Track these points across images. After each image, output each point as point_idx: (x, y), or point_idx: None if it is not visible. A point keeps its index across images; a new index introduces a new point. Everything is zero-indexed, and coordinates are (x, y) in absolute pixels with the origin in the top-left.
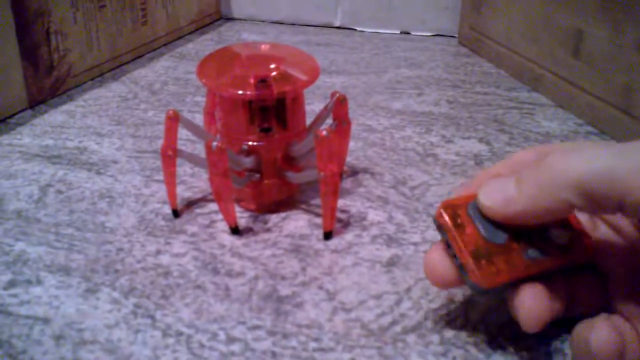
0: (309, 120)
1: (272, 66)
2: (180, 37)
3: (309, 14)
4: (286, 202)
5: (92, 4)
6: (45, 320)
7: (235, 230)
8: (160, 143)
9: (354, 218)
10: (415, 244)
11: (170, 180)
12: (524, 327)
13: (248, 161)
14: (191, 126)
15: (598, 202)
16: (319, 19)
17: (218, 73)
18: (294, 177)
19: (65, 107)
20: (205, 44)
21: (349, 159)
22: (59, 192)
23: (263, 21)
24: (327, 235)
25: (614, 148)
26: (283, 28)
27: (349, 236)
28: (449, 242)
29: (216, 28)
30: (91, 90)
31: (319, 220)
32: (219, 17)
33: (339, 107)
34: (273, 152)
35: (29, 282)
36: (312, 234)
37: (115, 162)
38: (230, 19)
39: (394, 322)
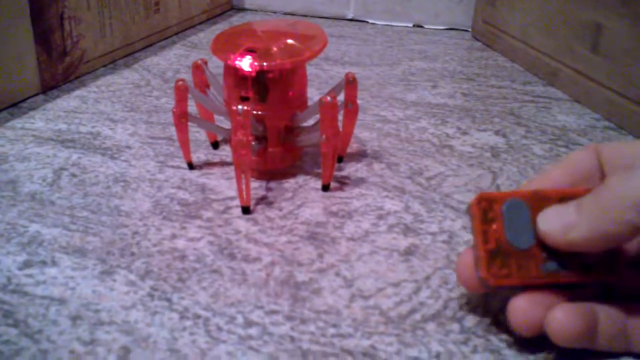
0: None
1: (276, 42)
2: (191, 27)
3: (322, 5)
4: (289, 171)
5: None
6: (61, 301)
7: (247, 210)
8: (174, 130)
9: (370, 207)
10: (432, 233)
11: (185, 142)
12: (514, 329)
13: (259, 126)
14: (198, 96)
15: None
16: (331, 11)
17: (229, 46)
18: (297, 140)
19: (77, 92)
20: (216, 34)
21: (364, 148)
22: (73, 175)
23: (275, 12)
24: (325, 188)
25: None
26: (295, 19)
27: (365, 224)
28: (473, 232)
29: (227, 18)
30: (103, 77)
31: (334, 208)
32: (230, 7)
33: (348, 87)
34: (278, 121)
35: (44, 263)
36: (328, 222)
37: (129, 147)
38: (241, 9)
39: (413, 310)
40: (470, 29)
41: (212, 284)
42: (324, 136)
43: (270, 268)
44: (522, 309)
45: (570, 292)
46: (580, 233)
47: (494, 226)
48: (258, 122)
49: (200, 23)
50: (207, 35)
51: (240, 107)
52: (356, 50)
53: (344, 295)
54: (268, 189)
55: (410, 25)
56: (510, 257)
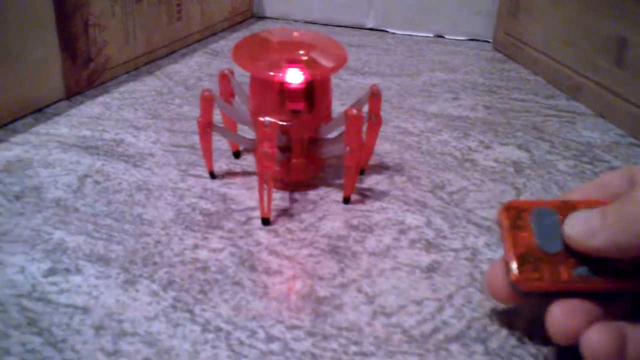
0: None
1: (302, 52)
2: (213, 34)
3: (342, 14)
4: (310, 182)
5: None
6: (85, 310)
7: (267, 222)
8: (196, 139)
9: (391, 221)
10: (455, 250)
11: (208, 152)
12: (552, 337)
13: (283, 138)
14: (224, 106)
15: None
16: (351, 20)
17: (253, 58)
18: (321, 152)
19: (101, 99)
20: (237, 41)
21: (385, 160)
22: (97, 182)
23: (295, 20)
24: (347, 200)
25: None
26: (315, 28)
27: (386, 239)
28: (502, 239)
29: (248, 26)
30: (126, 84)
31: (356, 222)
32: (250, 15)
33: (372, 100)
34: (303, 133)
35: (68, 270)
36: (349, 236)
37: (151, 155)
38: (262, 17)
39: (435, 330)
40: (491, 40)
41: (233, 296)
42: (348, 148)
43: (292, 282)
44: (560, 317)
45: (606, 304)
46: (603, 240)
47: (524, 233)
48: (283, 134)
49: (222, 30)
50: (228, 42)
51: (267, 119)
52: (376, 60)
53: (366, 312)
54: (289, 200)
55: (431, 35)
56: (541, 261)
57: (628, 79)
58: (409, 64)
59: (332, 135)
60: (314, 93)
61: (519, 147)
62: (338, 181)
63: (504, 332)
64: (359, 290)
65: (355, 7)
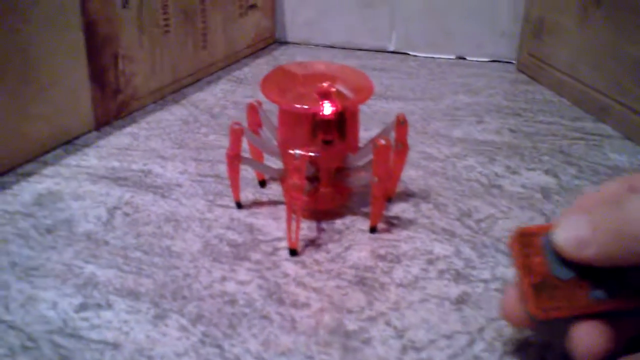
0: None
1: (329, 84)
2: (236, 61)
3: (363, 38)
4: (336, 211)
5: (158, 29)
6: (116, 346)
7: (294, 252)
8: (222, 168)
9: (419, 251)
10: (485, 281)
11: (235, 182)
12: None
13: (310, 169)
14: (253, 138)
15: None
16: (373, 44)
17: (281, 90)
18: (349, 181)
19: (129, 129)
20: (260, 68)
21: (410, 187)
22: (126, 214)
23: (317, 45)
24: (373, 230)
25: None
26: (336, 52)
27: (414, 270)
28: (516, 268)
29: (270, 52)
30: (153, 113)
31: (382, 252)
32: (273, 40)
33: (399, 128)
34: (332, 163)
35: (99, 305)
36: (376, 266)
37: (179, 185)
38: (284, 42)
39: None
40: (514, 61)
41: (262, 330)
42: (376, 178)
43: (320, 315)
44: (586, 339)
45: (620, 323)
46: (595, 251)
47: (537, 260)
48: (311, 164)
49: (245, 57)
50: (251, 69)
51: (297, 151)
52: (399, 84)
53: (395, 347)
54: (315, 230)
55: (453, 57)
56: (557, 289)
57: None
58: (431, 87)
59: (360, 163)
60: (344, 123)
61: (546, 172)
62: (364, 209)
63: None
64: (388, 324)
65: (377, 30)
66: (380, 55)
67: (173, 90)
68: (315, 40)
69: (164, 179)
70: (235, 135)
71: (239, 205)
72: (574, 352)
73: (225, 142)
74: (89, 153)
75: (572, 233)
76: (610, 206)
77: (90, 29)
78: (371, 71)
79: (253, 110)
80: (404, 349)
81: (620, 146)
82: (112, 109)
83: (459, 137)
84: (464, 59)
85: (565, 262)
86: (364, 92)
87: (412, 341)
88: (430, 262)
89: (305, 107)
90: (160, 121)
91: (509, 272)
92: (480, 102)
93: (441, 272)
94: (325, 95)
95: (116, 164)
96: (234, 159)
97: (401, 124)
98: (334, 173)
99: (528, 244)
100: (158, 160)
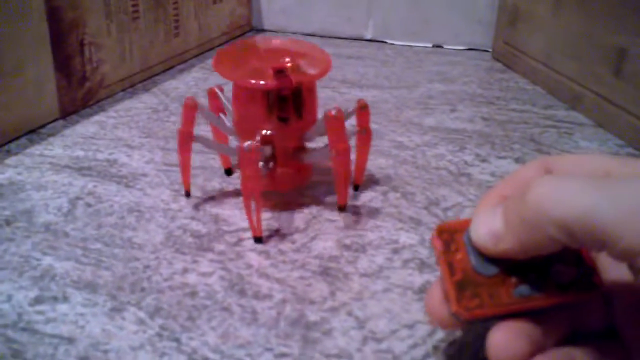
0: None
1: (286, 59)
2: (210, 49)
3: (340, 26)
4: (302, 201)
5: (126, 16)
6: (70, 340)
7: (259, 240)
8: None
9: (384, 240)
10: None
11: (186, 165)
12: None
13: (267, 149)
14: (208, 115)
15: (583, 243)
16: (350, 32)
17: (235, 65)
18: (306, 157)
19: (96, 117)
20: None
21: (379, 176)
22: (88, 205)
23: (294, 33)
24: (342, 208)
25: (608, 185)
26: (313, 40)
27: (379, 259)
28: (438, 265)
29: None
30: (122, 101)
31: (348, 241)
32: (249, 28)
33: (360, 113)
34: (288, 142)
35: (55, 298)
36: (341, 256)
37: (144, 175)
38: (260, 30)
39: (427, 355)
40: (490, 50)
41: (221, 323)
42: (333, 151)
43: (282, 306)
44: (503, 343)
45: (547, 322)
46: (509, 244)
47: (459, 256)
48: (267, 143)
49: (220, 45)
50: None
51: (246, 143)
52: (374, 72)
53: (356, 337)
54: (280, 219)
55: (430, 45)
56: (480, 286)
57: (627, 90)
58: (407, 75)
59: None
60: (301, 100)
61: (516, 160)
62: (330, 198)
63: None
64: (350, 314)
65: (354, 18)
66: (357, 44)
67: (144, 78)
68: (292, 28)
69: (130, 169)
70: (188, 110)
71: (188, 195)
72: (491, 356)
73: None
74: (54, 142)
75: (486, 227)
76: (519, 194)
77: (54, 15)
78: (347, 59)
79: (213, 95)
80: (365, 340)
81: (591, 134)
82: (79, 97)
83: (431, 126)
84: (441, 47)
85: (488, 258)
86: (321, 67)
87: (373, 332)
88: (395, 251)
89: (261, 82)
90: (129, 109)
91: None
92: (454, 91)
93: (406, 262)
94: (281, 71)
95: (81, 153)
96: (186, 137)
97: (362, 109)
98: (292, 152)
99: (450, 240)
100: (124, 150)
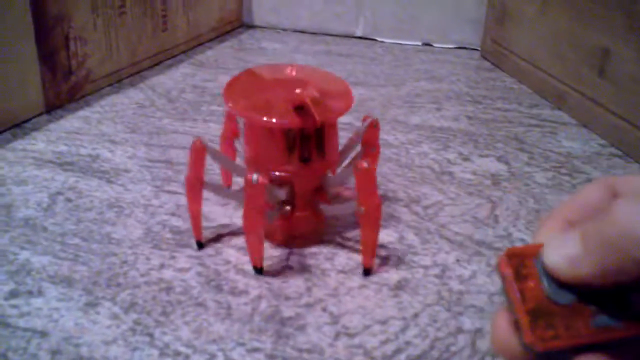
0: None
1: (304, 91)
2: (200, 44)
3: (331, 23)
4: (314, 236)
5: (112, 11)
6: (43, 334)
7: (260, 271)
8: (173, 153)
9: None
10: (425, 267)
11: (196, 212)
12: None
13: (282, 193)
14: (219, 157)
15: None
16: (340, 29)
17: (247, 98)
18: (329, 209)
19: (81, 112)
20: (225, 52)
21: None
22: (68, 200)
23: (284, 29)
24: (367, 272)
25: None
26: (304, 37)
27: (357, 256)
28: (507, 294)
29: (237, 36)
30: (108, 96)
31: (327, 238)
32: (240, 24)
33: (371, 131)
34: (309, 183)
35: (30, 293)
36: (320, 252)
37: (126, 170)
38: (251, 26)
39: (398, 350)
40: (479, 48)
41: (195, 318)
42: (362, 208)
43: (257, 302)
44: None
45: (632, 353)
46: (589, 269)
47: (531, 284)
48: (283, 186)
49: (209, 40)
50: (215, 53)
51: (255, 176)
52: (363, 70)
53: (329, 333)
54: None
55: (419, 43)
56: (555, 316)
57: (610, 90)
58: (395, 73)
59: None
60: (323, 138)
61: (498, 159)
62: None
63: (467, 352)
64: (324, 310)
65: (344, 15)
66: (347, 41)
67: (131, 73)
68: (283, 25)
69: (112, 164)
70: (196, 153)
71: (200, 245)
72: None
73: (179, 126)
74: (38, 137)
75: (562, 252)
76: (597, 216)
77: (39, 9)
78: (336, 56)
79: (231, 118)
80: (337, 335)
81: (574, 133)
82: (64, 91)
83: (416, 124)
84: (431, 45)
85: (563, 285)
86: (344, 100)
87: (346, 327)
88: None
89: (281, 120)
90: (115, 104)
91: (450, 257)
92: (441, 89)
93: (383, 258)
94: (301, 107)
95: (64, 148)
96: (195, 184)
97: (374, 127)
98: (310, 195)
99: (520, 265)
100: (108, 145)
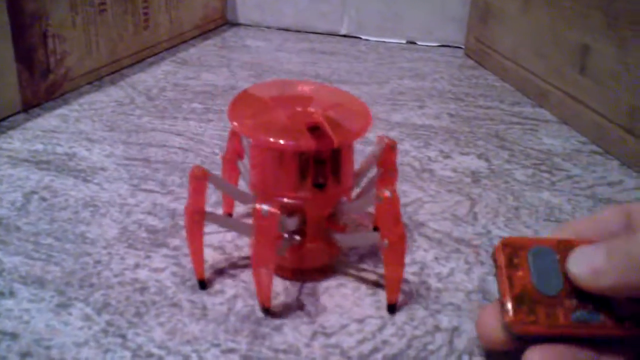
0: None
1: (316, 109)
2: (183, 42)
3: (315, 21)
4: (328, 268)
5: (92, 8)
6: (13, 336)
7: (267, 311)
8: (151, 151)
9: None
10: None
11: (197, 247)
12: None
13: (293, 222)
14: (222, 184)
15: None
16: (324, 27)
17: (254, 117)
18: (344, 240)
19: (59, 111)
20: (208, 49)
21: None
22: (43, 199)
23: (268, 27)
24: (392, 309)
25: None
26: (288, 35)
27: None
28: (497, 278)
29: (220, 33)
30: (88, 95)
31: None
32: (224, 22)
33: (388, 153)
34: (322, 210)
35: (1, 294)
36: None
37: (103, 169)
38: (235, 24)
39: (375, 350)
40: (463, 47)
41: (170, 318)
42: (386, 241)
43: (233, 302)
44: None
45: (605, 353)
46: (612, 280)
47: (520, 272)
48: (294, 215)
49: (193, 38)
50: (198, 50)
51: (264, 207)
52: (347, 68)
53: (305, 332)
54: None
55: (404, 41)
56: (538, 304)
57: (590, 87)
58: (378, 71)
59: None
60: (339, 161)
61: (479, 156)
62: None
63: (444, 350)
64: (301, 309)
65: (329, 13)
66: (331, 39)
67: (111, 71)
68: (267, 23)
69: (88, 163)
70: (197, 183)
71: (203, 285)
72: None
73: (158, 124)
74: (13, 135)
75: (588, 263)
76: (624, 234)
77: (15, 6)
78: (320, 54)
79: (235, 136)
80: (314, 335)
81: (555, 131)
82: (42, 90)
83: (397, 122)
84: (415, 43)
85: (552, 278)
86: (361, 119)
87: (323, 326)
88: (352, 247)
89: (294, 142)
90: (94, 103)
91: (429, 255)
92: (424, 87)
93: (362, 257)
94: (316, 128)
95: (40, 147)
96: (196, 217)
97: (391, 149)
98: (324, 224)
99: (513, 255)
100: (85, 143)
